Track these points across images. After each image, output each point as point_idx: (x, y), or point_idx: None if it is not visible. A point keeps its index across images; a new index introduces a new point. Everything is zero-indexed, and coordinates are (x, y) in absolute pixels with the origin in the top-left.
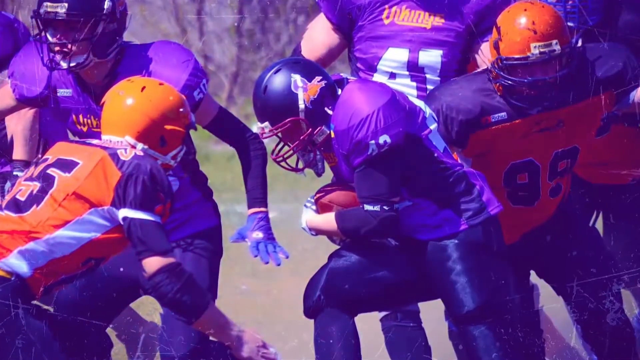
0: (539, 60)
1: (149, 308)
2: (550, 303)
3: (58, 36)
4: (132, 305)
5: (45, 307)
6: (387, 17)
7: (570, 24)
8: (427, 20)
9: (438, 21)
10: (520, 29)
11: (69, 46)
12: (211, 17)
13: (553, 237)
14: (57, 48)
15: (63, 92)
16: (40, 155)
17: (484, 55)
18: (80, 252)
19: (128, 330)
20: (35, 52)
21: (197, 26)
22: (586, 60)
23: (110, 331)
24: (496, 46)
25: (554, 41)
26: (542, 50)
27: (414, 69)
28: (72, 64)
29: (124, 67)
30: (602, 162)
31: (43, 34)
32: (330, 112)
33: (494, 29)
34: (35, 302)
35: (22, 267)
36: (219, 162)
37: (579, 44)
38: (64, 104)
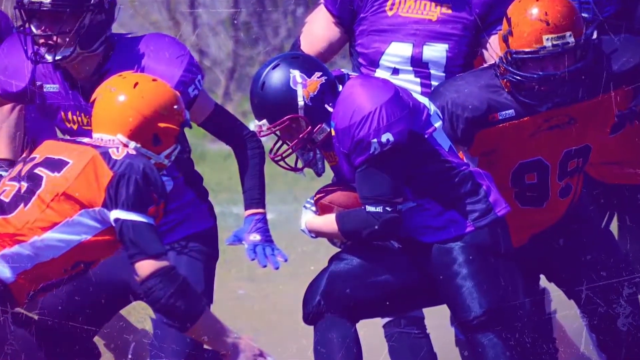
0: (551, 53)
1: (140, 314)
2: (563, 310)
3: (43, 28)
4: (122, 311)
5: (30, 314)
6: (391, 9)
7: (584, 15)
8: (434, 11)
9: (445, 12)
10: (532, 20)
11: (55, 38)
12: (206, 9)
13: (565, 240)
14: (41, 40)
15: (49, 87)
16: (26, 154)
17: (492, 49)
18: (69, 256)
19: (117, 339)
20: (18, 44)
21: (189, 18)
22: (601, 54)
23: (98, 340)
24: (505, 39)
25: (568, 33)
26: (554, 42)
27: (418, 65)
28: (57, 57)
29: (115, 62)
30: (615, 161)
31: (27, 25)
32: (330, 109)
33: (504, 21)
34: (19, 309)
35: (4, 272)
36: (214, 162)
37: (594, 36)
38: (51, 100)
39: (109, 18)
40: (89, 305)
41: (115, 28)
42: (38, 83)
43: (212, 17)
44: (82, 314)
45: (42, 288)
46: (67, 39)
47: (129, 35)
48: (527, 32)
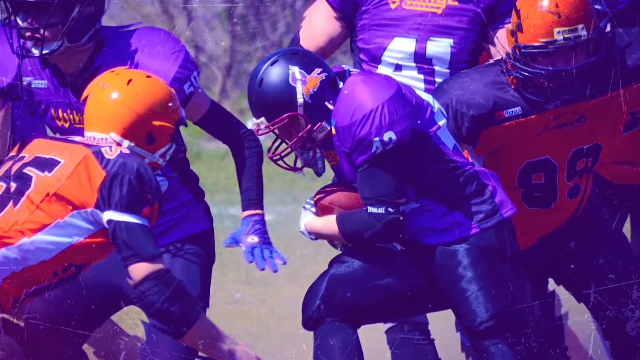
0: (563, 47)
1: (133, 319)
2: (574, 315)
3: (29, 20)
4: (114, 317)
5: (17, 321)
6: (394, 1)
7: (597, 7)
8: (439, 4)
9: (451, 4)
10: (543, 12)
11: (42, 31)
12: (201, 2)
13: (576, 243)
14: (28, 34)
15: (38, 83)
16: (15, 153)
17: (500, 44)
18: (60, 258)
19: (108, 345)
20: (4, 38)
21: (183, 11)
22: (614, 48)
23: (87, 347)
24: (514, 33)
25: (580, 26)
26: (566, 36)
27: (422, 60)
28: (44, 51)
29: (106, 58)
30: (627, 160)
31: (12, 18)
32: (331, 106)
33: (513, 13)
34: (5, 315)
35: None
36: (211, 161)
37: (607, 29)
38: (39, 97)
39: (98, 10)
40: (79, 311)
41: (106, 21)
42: (26, 79)
43: (207, 10)
44: (71, 320)
45: (31, 292)
46: (55, 32)
47: (124, 29)
48: (537, 25)
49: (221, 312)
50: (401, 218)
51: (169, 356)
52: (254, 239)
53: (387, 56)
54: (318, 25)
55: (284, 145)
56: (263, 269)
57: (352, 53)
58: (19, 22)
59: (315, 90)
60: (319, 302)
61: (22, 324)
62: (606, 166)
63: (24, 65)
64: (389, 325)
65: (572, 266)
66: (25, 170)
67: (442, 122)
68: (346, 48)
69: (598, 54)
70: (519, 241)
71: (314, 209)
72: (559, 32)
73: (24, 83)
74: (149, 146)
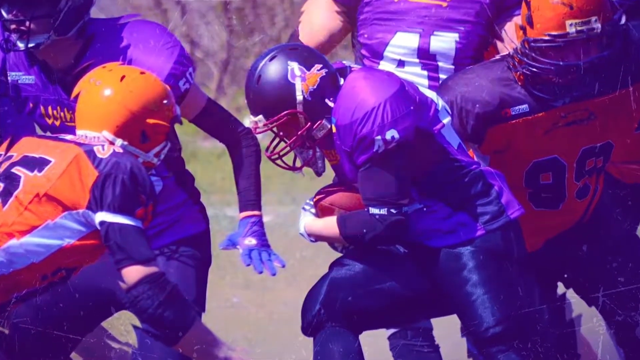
0: (575, 40)
1: (125, 325)
2: (585, 322)
3: (14, 12)
4: (104, 323)
5: (1, 328)
6: None
7: None
8: None
9: None
10: (554, 3)
11: (27, 24)
12: None
13: (588, 246)
14: (13, 26)
15: (25, 79)
16: (4, 152)
17: (508, 38)
18: (50, 261)
19: (98, 353)
20: None
21: (177, 2)
22: (629, 42)
23: (75, 356)
24: (522, 27)
25: (593, 18)
26: (579, 28)
27: (425, 56)
28: (30, 45)
29: (97, 53)
30: (637, 159)
31: None
32: (331, 104)
33: (523, 5)
34: None
35: None
36: (207, 160)
37: (622, 21)
38: (27, 93)
39: (87, 1)
40: (68, 317)
41: (95, 13)
42: (13, 74)
43: (203, 3)
44: (60, 327)
45: (20, 297)
46: (41, 25)
47: (116, 23)
48: (549, 17)
49: (217, 317)
50: (404, 219)
51: None
52: (251, 241)
53: (389, 52)
54: (318, 19)
55: (282, 144)
56: (261, 272)
57: (353, 48)
58: (4, 14)
59: (315, 87)
60: (319, 307)
61: (6, 331)
62: (616, 165)
63: (10, 59)
64: (392, 330)
65: (581, 269)
66: (13, 170)
67: (446, 120)
68: (347, 43)
69: (611, 47)
70: (526, 243)
71: (313, 210)
72: (571, 25)
73: (11, 79)
74: (142, 145)
